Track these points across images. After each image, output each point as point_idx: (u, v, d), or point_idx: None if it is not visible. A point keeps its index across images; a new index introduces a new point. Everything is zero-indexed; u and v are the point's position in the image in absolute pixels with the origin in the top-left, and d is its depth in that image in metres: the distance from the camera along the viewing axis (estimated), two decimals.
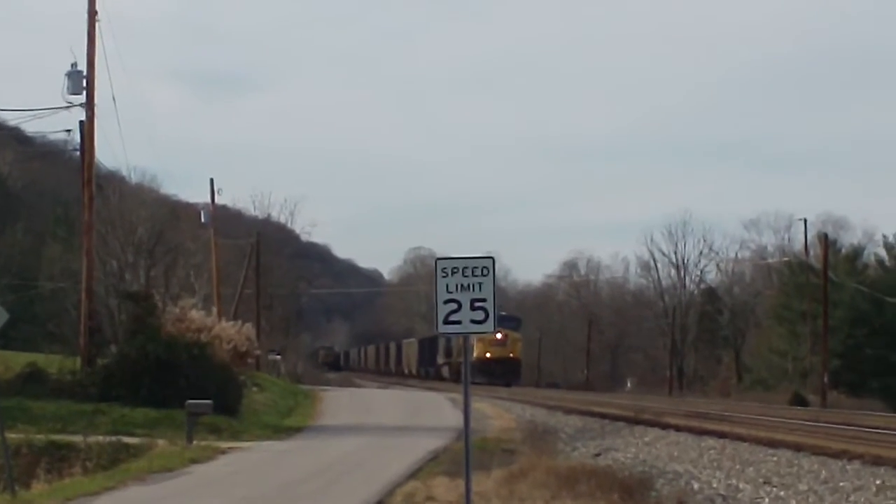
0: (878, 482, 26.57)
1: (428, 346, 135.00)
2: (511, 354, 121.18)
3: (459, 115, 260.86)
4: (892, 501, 24.00)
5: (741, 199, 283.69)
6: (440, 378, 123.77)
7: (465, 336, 20.00)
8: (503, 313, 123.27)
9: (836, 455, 32.24)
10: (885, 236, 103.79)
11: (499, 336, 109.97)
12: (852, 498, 24.77)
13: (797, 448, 34.76)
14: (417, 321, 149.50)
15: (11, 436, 32.12)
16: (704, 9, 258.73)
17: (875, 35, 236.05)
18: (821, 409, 55.36)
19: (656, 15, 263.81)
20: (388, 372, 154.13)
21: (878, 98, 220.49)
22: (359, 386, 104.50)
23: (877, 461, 30.14)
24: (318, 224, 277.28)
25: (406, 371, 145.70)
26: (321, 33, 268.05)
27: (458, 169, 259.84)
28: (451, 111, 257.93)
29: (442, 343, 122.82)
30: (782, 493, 26.34)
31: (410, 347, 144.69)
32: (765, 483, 27.99)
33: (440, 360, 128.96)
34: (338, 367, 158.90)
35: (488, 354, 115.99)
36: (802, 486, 26.93)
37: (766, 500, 25.76)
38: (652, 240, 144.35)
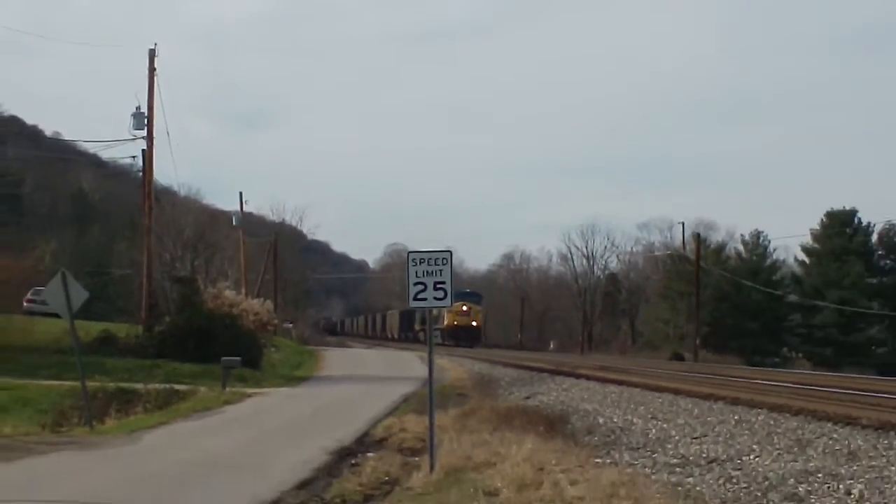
0: (736, 417, 26.70)
1: (407, 317, 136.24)
2: (474, 323, 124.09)
3: (430, 140, 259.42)
4: (746, 431, 23.92)
5: (636, 207, 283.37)
6: (417, 341, 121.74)
7: (429, 309, 20.47)
8: (468, 290, 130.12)
9: (705, 397, 32.22)
10: (742, 235, 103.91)
11: (464, 308, 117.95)
12: (717, 429, 24.60)
13: (676, 392, 34.66)
14: (394, 299, 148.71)
15: (90, 384, 31.86)
16: (618, 51, 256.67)
17: (735, 78, 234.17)
18: (693, 363, 55.55)
19: (573, 58, 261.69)
20: (375, 336, 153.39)
21: (741, 128, 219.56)
22: (350, 347, 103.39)
23: (735, 401, 30.22)
24: (320, 225, 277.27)
25: (389, 336, 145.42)
26: (319, 80, 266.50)
27: (428, 182, 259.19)
28: (424, 137, 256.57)
29: (419, 314, 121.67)
30: (664, 425, 26.03)
31: (393, 317, 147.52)
32: (652, 418, 27.80)
33: (417, 326, 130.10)
34: (335, 332, 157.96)
35: (456, 323, 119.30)
36: (680, 420, 26.78)
37: (653, 430, 25.26)
38: (569, 237, 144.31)
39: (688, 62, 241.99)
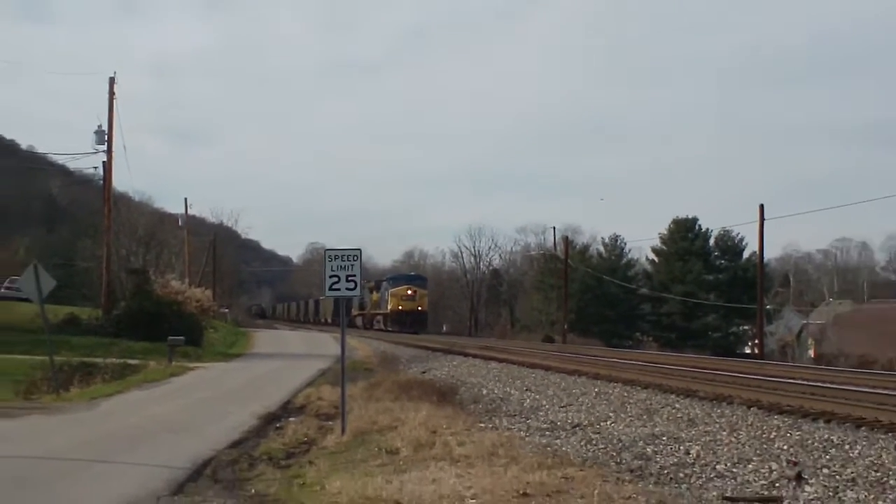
0: (596, 390, 26.82)
1: (346, 301, 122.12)
2: (419, 308, 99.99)
3: (346, 153, 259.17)
4: (604, 401, 23.90)
5: (516, 213, 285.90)
6: (354, 326, 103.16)
7: (343, 298, 20.49)
8: (413, 273, 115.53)
9: (571, 373, 32.26)
10: (603, 238, 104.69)
11: (409, 292, 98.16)
12: (580, 399, 24.62)
13: (546, 369, 34.70)
14: (314, 289, 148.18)
15: (57, 358, 31.79)
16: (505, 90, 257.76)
17: (598, 108, 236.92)
18: (562, 345, 55.86)
19: (466, 91, 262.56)
20: (308, 321, 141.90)
21: (603, 149, 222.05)
22: (277, 329, 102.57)
23: (595, 377, 30.30)
24: (252, 226, 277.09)
25: (323, 321, 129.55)
26: (252, 102, 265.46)
27: (344, 190, 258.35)
28: (341, 151, 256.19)
29: (356, 300, 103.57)
30: (537, 396, 26.09)
31: (328, 302, 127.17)
32: (526, 390, 27.84)
33: (354, 311, 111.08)
34: (264, 317, 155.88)
35: (401, 307, 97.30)
36: (550, 392, 26.80)
37: (528, 400, 25.13)
38: (460, 239, 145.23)
39: (562, 96, 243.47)
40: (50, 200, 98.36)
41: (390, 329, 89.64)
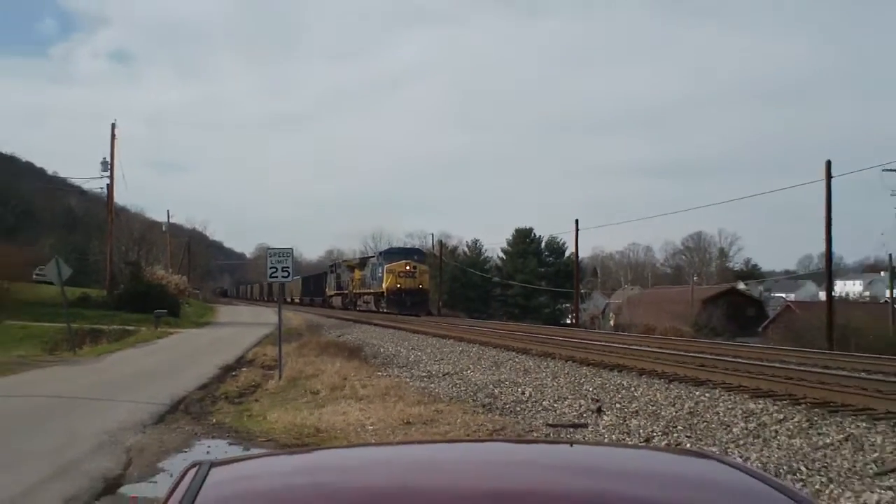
0: (460, 349, 25.90)
1: (314, 281, 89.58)
2: (420, 286, 58.61)
3: (282, 179, 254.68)
4: (466, 357, 23.43)
5: (407, 223, 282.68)
6: (330, 307, 74.14)
7: (281, 283, 20.46)
8: (410, 247, 75.54)
9: (442, 337, 31.40)
10: (467, 241, 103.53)
11: (408, 268, 57.83)
12: (449, 356, 23.89)
13: (425, 334, 34.06)
14: (261, 276, 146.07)
15: (74, 325, 31.49)
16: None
17: (466, 147, 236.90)
18: (438, 318, 55.03)
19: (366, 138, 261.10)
20: (271, 301, 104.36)
21: (467, 177, 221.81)
22: (235, 306, 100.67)
23: (459, 339, 29.45)
24: (216, 231, 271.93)
25: (288, 300, 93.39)
26: (215, 143, 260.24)
27: (281, 204, 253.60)
28: (278, 178, 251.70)
29: (332, 279, 76.11)
30: (419, 353, 25.49)
31: (294, 283, 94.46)
32: (412, 349, 27.22)
33: (330, 291, 77.51)
34: (226, 296, 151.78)
35: (399, 286, 57.48)
36: (428, 350, 26.18)
37: (412, 356, 24.78)
38: (366, 241, 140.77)
39: (434, 140, 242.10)
40: (69, 211, 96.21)
41: (385, 310, 57.33)
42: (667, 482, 2.00)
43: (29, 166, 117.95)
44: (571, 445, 4.14)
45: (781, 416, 11.73)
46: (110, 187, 52.75)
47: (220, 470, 2.06)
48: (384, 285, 57.29)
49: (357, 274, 66.80)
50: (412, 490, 1.91)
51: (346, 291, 71.26)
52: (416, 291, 56.94)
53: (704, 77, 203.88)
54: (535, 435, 12.11)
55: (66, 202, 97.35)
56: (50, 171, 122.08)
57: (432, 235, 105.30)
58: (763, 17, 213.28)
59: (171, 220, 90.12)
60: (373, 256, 66.24)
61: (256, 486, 1.99)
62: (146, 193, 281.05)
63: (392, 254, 60.36)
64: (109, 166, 52.11)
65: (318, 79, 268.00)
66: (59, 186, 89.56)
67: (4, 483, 8.74)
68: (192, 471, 2.01)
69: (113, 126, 52.22)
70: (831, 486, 8.44)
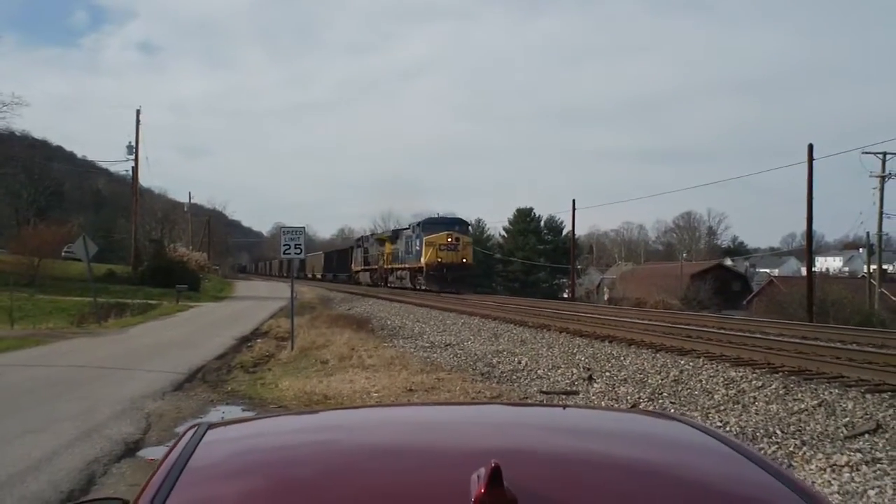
0: (462, 321, 25.83)
1: (337, 257, 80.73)
2: (464, 259, 48.34)
3: (298, 165, 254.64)
4: (467, 329, 23.45)
5: (414, 205, 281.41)
6: (356, 283, 65.73)
7: (291, 260, 20.50)
8: (451, 216, 54.97)
9: (445, 310, 31.39)
10: (474, 221, 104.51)
11: (450, 239, 47.61)
12: (451, 327, 23.93)
13: (430, 307, 33.90)
14: (278, 253, 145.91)
15: (100, 299, 31.51)
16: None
17: (469, 135, 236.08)
18: (440, 294, 54.08)
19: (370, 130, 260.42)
20: (279, 276, 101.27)
21: (472, 164, 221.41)
22: (252, 281, 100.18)
23: (461, 313, 29.35)
24: (235, 210, 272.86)
25: (310, 276, 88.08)
26: (235, 130, 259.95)
27: (297, 187, 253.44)
28: (294, 163, 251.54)
29: (359, 254, 66.48)
30: (423, 325, 25.19)
31: (316, 259, 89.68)
32: (416, 321, 27.17)
33: (357, 267, 67.17)
34: (244, 272, 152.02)
35: (440, 259, 47.14)
36: (431, 323, 25.79)
37: (416, 328, 25.00)
38: (376, 220, 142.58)
39: (442, 129, 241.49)
40: (97, 192, 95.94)
41: (423, 287, 48.51)
42: (636, 439, 2.04)
43: (59, 150, 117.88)
44: (564, 409, 4.19)
45: (760, 384, 11.74)
46: (135, 170, 53.05)
47: (216, 431, 2.06)
48: (423, 259, 47.76)
49: (388, 248, 57.61)
50: (408, 448, 1.89)
51: (374, 267, 61.75)
52: (460, 266, 47.97)
53: (694, 69, 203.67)
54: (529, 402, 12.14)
55: (94, 184, 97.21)
56: (80, 155, 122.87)
57: (438, 215, 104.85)
58: (748, 12, 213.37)
59: (193, 201, 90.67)
60: (407, 228, 55.34)
61: (250, 445, 1.99)
62: (170, 176, 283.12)
63: (432, 224, 49.99)
64: (134, 150, 52.42)
65: (336, 69, 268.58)
66: (87, 169, 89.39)
67: (39, 443, 8.91)
68: (190, 432, 2.02)
69: (138, 112, 52.59)
70: (804, 448, 8.46)
